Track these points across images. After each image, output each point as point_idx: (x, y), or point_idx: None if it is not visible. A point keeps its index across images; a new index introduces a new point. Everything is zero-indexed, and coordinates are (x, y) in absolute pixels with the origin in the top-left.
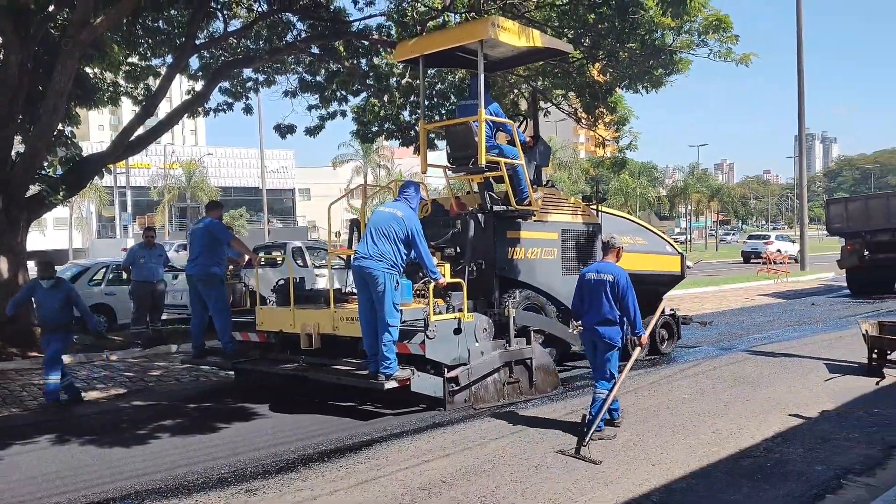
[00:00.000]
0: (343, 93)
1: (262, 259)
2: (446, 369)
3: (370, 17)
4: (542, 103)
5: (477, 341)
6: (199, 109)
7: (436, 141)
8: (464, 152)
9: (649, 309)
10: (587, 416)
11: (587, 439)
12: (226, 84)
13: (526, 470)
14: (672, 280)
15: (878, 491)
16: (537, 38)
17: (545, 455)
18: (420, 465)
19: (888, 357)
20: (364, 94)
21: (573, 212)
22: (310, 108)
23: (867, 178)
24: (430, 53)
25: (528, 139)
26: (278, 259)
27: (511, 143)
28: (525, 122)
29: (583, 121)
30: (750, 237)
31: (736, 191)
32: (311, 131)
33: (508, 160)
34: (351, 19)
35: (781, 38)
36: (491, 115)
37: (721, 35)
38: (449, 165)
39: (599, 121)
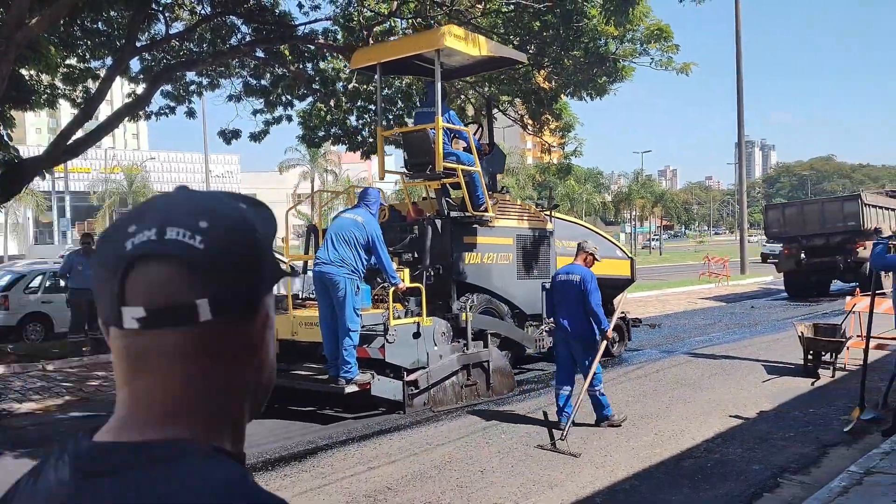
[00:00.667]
0: (289, 97)
1: None
2: (406, 373)
3: (316, 21)
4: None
5: (436, 345)
6: (141, 113)
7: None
8: (421, 159)
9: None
10: (556, 410)
11: (565, 433)
12: (168, 87)
13: (471, 475)
14: (623, 283)
15: (812, 489)
16: (492, 48)
17: (491, 459)
18: (366, 473)
19: (823, 358)
20: (310, 99)
21: (527, 218)
22: (255, 112)
23: (804, 185)
24: (387, 61)
25: (484, 146)
26: None
27: (467, 150)
28: (480, 129)
29: (529, 127)
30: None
31: (679, 196)
32: (256, 136)
33: (465, 167)
34: (296, 23)
35: (722, 49)
36: (448, 122)
37: (662, 44)
38: (406, 172)
39: (545, 127)
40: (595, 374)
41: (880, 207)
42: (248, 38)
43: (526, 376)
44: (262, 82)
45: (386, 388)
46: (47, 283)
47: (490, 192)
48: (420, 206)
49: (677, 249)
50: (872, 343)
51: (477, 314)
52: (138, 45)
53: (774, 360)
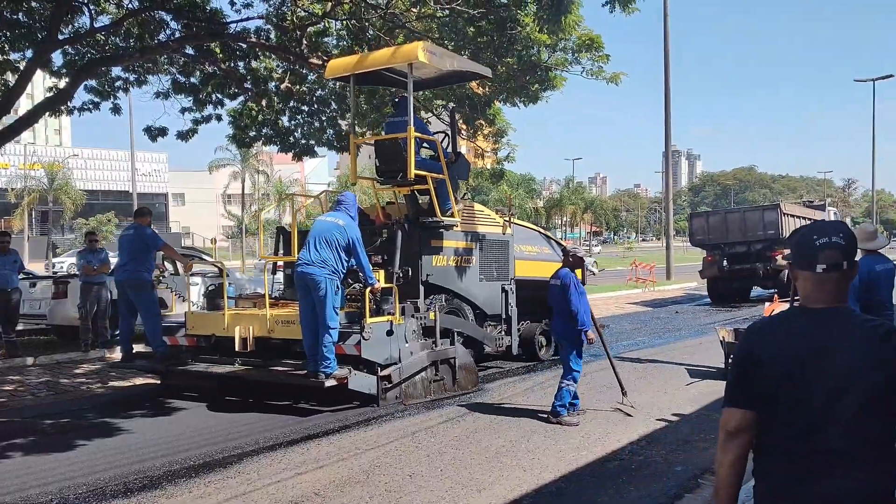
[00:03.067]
0: (219, 96)
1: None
2: (379, 368)
3: (248, 19)
4: (422, 113)
5: (407, 342)
6: (63, 108)
7: (316, 148)
8: (392, 166)
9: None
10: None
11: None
12: (92, 82)
13: (400, 479)
14: None
15: None
16: (460, 63)
17: (420, 463)
18: (293, 478)
19: None
20: (241, 98)
21: (489, 222)
22: (183, 110)
23: (727, 194)
24: (361, 72)
25: (450, 155)
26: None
27: (435, 158)
28: (446, 138)
29: (462, 132)
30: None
31: (608, 203)
32: (184, 135)
33: (434, 174)
34: (228, 21)
35: (651, 61)
36: (418, 131)
37: (593, 54)
38: (377, 178)
39: (479, 132)
40: (573, 370)
41: (798, 217)
42: (177, 35)
43: (486, 373)
44: (192, 80)
45: (362, 382)
46: None
47: (455, 198)
48: (388, 210)
49: (607, 255)
50: None
51: (443, 314)
52: (61, 37)
53: (697, 363)
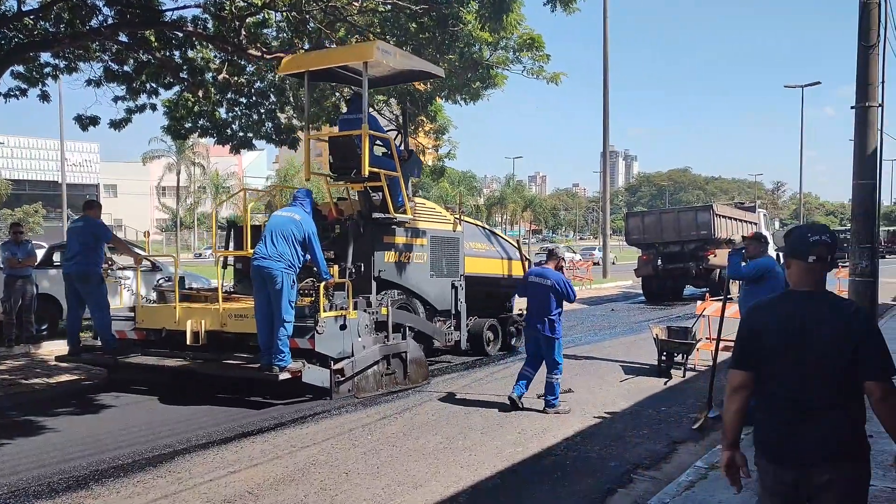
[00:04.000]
0: (154, 85)
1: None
2: (332, 362)
3: (185, 7)
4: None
5: (360, 336)
6: None
7: (254, 142)
8: (346, 163)
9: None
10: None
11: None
12: (20, 68)
13: (336, 477)
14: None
15: (662, 484)
16: (413, 62)
17: (356, 461)
18: (226, 477)
19: (675, 359)
20: (177, 88)
21: (440, 220)
22: (116, 99)
23: (662, 194)
24: (316, 70)
25: (403, 153)
26: None
27: (388, 155)
28: (399, 135)
29: None
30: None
31: (548, 202)
32: (117, 124)
33: (387, 171)
34: (164, 8)
35: (590, 62)
36: (372, 129)
37: (534, 53)
38: (330, 174)
39: (420, 129)
40: (558, 364)
41: (730, 218)
42: (110, 21)
43: (435, 367)
44: (125, 68)
45: (315, 375)
46: None
47: (408, 195)
48: (340, 206)
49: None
50: (721, 344)
51: (395, 309)
52: None
53: (631, 360)
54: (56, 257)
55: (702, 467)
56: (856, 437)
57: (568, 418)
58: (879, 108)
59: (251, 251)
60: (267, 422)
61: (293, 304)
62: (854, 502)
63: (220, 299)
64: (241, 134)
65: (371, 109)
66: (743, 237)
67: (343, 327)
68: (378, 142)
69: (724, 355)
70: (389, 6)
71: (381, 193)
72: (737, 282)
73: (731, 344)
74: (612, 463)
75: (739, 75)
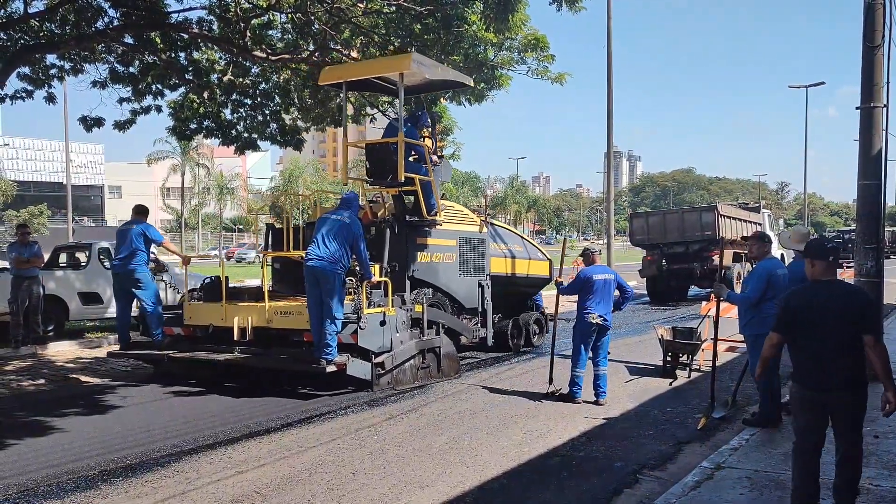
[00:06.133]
0: (159, 86)
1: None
2: (373, 356)
3: (190, 9)
4: (368, 109)
5: (398, 332)
6: None
7: (259, 142)
8: (382, 168)
9: (522, 309)
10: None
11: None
12: (26, 70)
13: (343, 477)
14: (542, 283)
15: (668, 484)
16: (446, 73)
17: (363, 461)
18: (233, 477)
19: (680, 360)
20: (182, 89)
21: (467, 222)
22: (121, 100)
23: (666, 195)
24: (353, 80)
25: (436, 158)
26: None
27: (421, 160)
28: (434, 143)
29: None
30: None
31: (551, 202)
32: (121, 126)
33: (421, 176)
34: (169, 10)
35: (594, 62)
36: (407, 137)
37: (538, 54)
38: (367, 179)
39: (424, 129)
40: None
41: (734, 218)
42: (115, 23)
43: (465, 362)
44: (131, 69)
45: (359, 368)
46: None
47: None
48: (374, 208)
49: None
50: (725, 345)
51: (428, 306)
52: None
53: (636, 361)
54: (62, 258)
55: (708, 468)
56: (859, 373)
57: (573, 419)
58: (884, 109)
59: (294, 253)
60: (273, 422)
61: (343, 302)
62: (859, 412)
63: (267, 297)
64: (245, 135)
65: (375, 111)
66: (744, 238)
67: (383, 323)
68: (412, 151)
69: (728, 356)
70: (394, 7)
71: (413, 196)
72: (739, 283)
73: (734, 344)
74: (617, 463)
75: (743, 75)
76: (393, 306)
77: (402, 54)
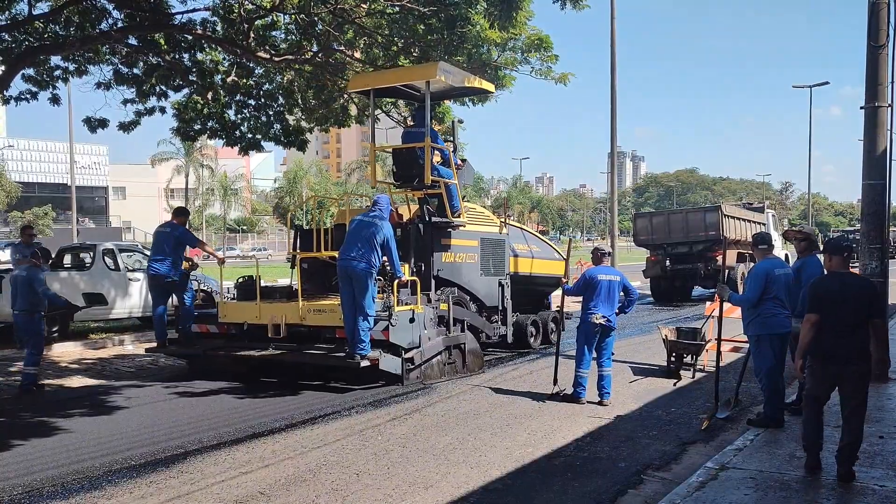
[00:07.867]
0: (163, 88)
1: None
2: (403, 351)
3: (194, 10)
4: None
5: (426, 328)
6: None
7: (262, 143)
8: (408, 171)
9: (539, 307)
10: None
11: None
12: (30, 71)
13: (347, 478)
14: (558, 282)
15: (672, 484)
16: (470, 80)
17: (367, 462)
18: (238, 478)
19: (684, 360)
20: (186, 91)
21: (488, 223)
22: (125, 101)
23: (670, 195)
24: (381, 87)
25: (459, 162)
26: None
27: (444, 164)
28: (455, 146)
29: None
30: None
31: (554, 203)
32: (126, 127)
33: (445, 179)
34: (173, 11)
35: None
36: (432, 142)
37: (542, 54)
38: (394, 182)
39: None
40: (612, 354)
41: (738, 219)
42: (119, 24)
43: (487, 358)
44: (135, 71)
45: (390, 363)
46: None
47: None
48: (400, 210)
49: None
50: (729, 346)
51: (452, 304)
52: None
53: (640, 361)
54: (67, 259)
55: (712, 468)
56: (867, 347)
57: (577, 419)
58: (889, 109)
59: (324, 253)
60: (277, 423)
61: (375, 300)
62: (865, 379)
63: (300, 296)
64: (249, 136)
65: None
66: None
67: (412, 320)
68: (436, 153)
69: (732, 356)
70: (397, 8)
71: (437, 199)
72: (742, 283)
73: (739, 345)
74: (621, 464)
75: (747, 75)
76: (420, 304)
77: (428, 63)
